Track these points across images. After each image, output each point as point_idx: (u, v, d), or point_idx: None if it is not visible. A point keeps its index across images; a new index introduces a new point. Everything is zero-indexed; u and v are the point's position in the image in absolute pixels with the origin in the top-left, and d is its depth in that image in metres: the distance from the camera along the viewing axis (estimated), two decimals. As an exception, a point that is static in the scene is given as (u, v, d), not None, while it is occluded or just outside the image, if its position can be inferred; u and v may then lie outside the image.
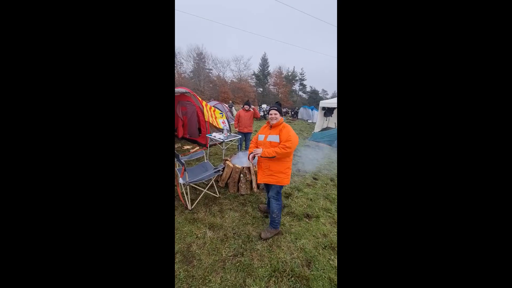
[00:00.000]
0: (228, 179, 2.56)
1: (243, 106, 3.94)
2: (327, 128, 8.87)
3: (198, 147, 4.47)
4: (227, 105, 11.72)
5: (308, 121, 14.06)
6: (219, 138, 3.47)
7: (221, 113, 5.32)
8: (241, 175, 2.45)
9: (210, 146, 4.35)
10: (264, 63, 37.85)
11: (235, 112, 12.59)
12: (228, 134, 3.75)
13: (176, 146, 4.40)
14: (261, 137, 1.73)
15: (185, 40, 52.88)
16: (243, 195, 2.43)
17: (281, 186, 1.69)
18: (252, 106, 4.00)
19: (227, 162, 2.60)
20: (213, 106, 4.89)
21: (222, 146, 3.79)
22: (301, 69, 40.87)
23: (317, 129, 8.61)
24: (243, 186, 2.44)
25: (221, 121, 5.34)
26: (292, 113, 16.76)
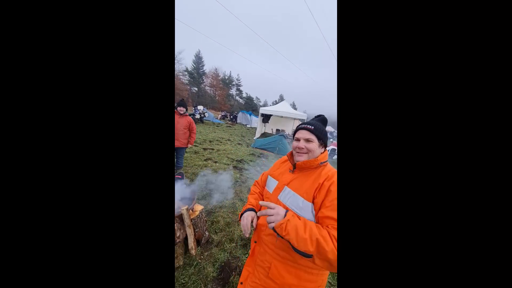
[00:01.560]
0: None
1: (176, 108, 2.72)
2: (265, 134, 9.47)
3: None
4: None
5: (247, 126, 14.49)
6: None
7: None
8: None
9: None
10: (199, 61, 35.17)
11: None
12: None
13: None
14: (272, 184, 0.76)
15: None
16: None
17: None
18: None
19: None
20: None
21: None
22: (237, 75, 42.27)
23: (257, 134, 8.91)
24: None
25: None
26: (231, 117, 16.57)
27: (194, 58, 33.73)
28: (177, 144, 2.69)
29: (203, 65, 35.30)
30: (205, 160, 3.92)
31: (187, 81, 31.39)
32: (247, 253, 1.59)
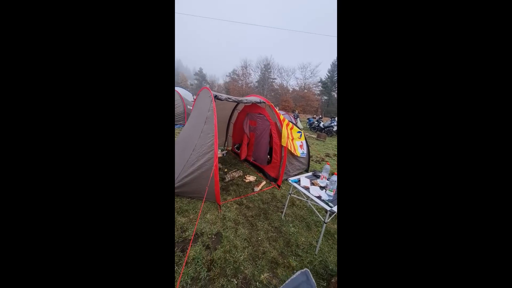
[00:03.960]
0: None
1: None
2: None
3: (264, 183, 3.02)
4: (292, 115, 10.07)
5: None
6: (317, 198, 1.73)
7: (299, 132, 3.66)
8: None
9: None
10: (334, 69, 33.42)
11: (300, 126, 10.66)
12: (328, 180, 1.95)
13: (235, 173, 3.17)
14: None
15: (256, 52, 58.25)
16: None
17: None
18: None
19: None
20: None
21: (312, 201, 1.96)
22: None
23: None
24: None
25: (298, 145, 3.67)
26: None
27: (330, 67, 32.84)
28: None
29: (339, 72, 32.75)
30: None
31: (319, 92, 31.69)
32: None
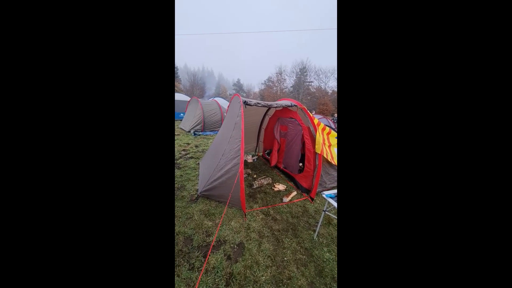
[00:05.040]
0: None
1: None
2: None
3: (294, 193, 2.73)
4: (331, 119, 9.08)
5: None
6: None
7: (337, 138, 3.17)
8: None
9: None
10: (386, 64, 28.47)
11: (341, 129, 9.40)
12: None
13: (264, 180, 3.04)
14: None
15: (292, 56, 57.63)
16: None
17: None
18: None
19: None
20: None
21: None
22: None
23: None
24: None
25: (337, 152, 3.17)
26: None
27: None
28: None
29: (392, 67, 27.70)
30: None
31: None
32: None
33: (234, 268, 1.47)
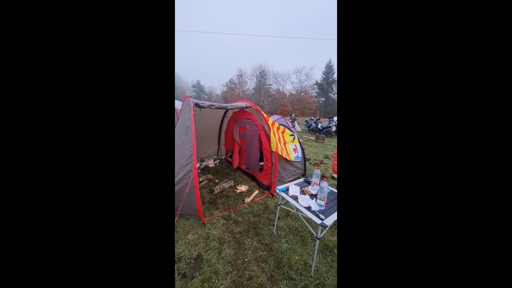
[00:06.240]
0: None
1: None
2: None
3: (256, 192, 2.79)
4: (289, 119, 9.92)
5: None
6: (306, 209, 1.52)
7: (291, 135, 3.47)
8: None
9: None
10: (329, 70, 33.75)
11: (298, 128, 10.45)
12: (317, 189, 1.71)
13: (226, 184, 2.96)
14: None
15: (251, 60, 59.46)
16: None
17: None
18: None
19: None
20: (276, 122, 3.14)
21: (302, 212, 1.71)
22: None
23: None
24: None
25: (292, 148, 3.47)
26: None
27: (324, 69, 33.21)
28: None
29: (333, 73, 33.08)
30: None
31: (315, 94, 31.80)
32: None
33: (190, 285, 1.35)
